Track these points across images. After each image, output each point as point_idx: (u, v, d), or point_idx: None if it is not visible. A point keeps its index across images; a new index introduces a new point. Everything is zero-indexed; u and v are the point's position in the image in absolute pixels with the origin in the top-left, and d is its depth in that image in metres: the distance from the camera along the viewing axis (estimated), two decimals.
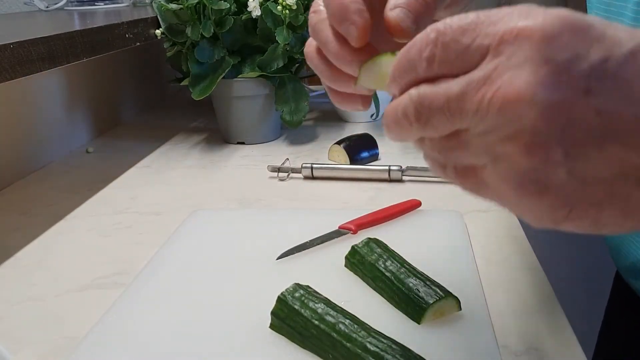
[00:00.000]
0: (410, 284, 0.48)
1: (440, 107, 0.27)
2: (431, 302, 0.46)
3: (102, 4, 1.42)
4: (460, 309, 0.48)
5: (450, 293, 0.47)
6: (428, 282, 0.48)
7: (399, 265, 0.51)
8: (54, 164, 1.00)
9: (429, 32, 0.28)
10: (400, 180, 0.83)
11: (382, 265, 0.51)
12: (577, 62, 0.25)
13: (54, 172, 0.96)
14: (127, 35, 0.92)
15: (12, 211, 0.80)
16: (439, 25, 0.27)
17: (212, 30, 0.94)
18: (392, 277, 0.50)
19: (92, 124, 1.15)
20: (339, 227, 0.64)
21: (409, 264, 0.51)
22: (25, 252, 0.67)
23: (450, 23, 0.27)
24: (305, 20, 0.96)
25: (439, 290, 0.47)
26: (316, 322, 0.43)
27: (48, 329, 0.52)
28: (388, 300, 0.50)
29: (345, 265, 0.56)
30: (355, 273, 0.55)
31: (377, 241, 0.55)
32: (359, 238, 0.58)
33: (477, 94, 0.26)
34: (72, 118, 1.08)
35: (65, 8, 1.38)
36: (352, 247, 0.56)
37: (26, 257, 0.66)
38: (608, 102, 0.25)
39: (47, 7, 1.37)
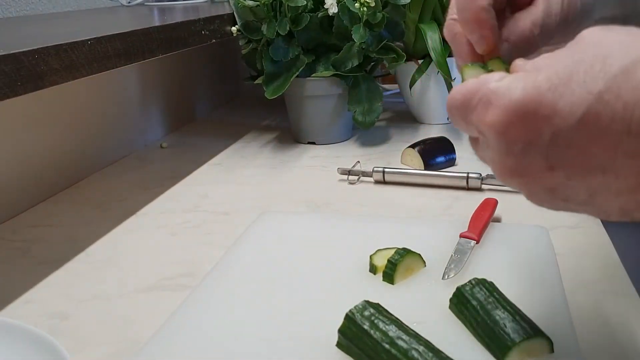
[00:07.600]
0: (497, 317, 0.42)
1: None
2: (518, 340, 0.41)
3: None
4: (553, 351, 0.42)
5: (541, 331, 0.42)
6: (517, 317, 0.43)
7: (487, 293, 0.45)
8: (129, 158, 1.01)
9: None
10: (479, 189, 0.78)
11: (469, 290, 0.46)
12: (532, 149, 0.30)
13: (128, 167, 0.97)
14: (203, 32, 0.92)
15: (86, 204, 0.81)
16: (450, 100, 0.34)
17: (288, 28, 0.92)
18: (478, 306, 0.44)
19: (167, 119, 1.16)
20: (461, 235, 0.59)
21: (500, 293, 0.46)
22: (95, 248, 0.68)
23: (450, 104, 0.34)
24: (384, 18, 0.92)
25: (528, 328, 0.41)
26: (387, 346, 0.40)
27: (112, 330, 0.51)
28: (467, 328, 0.45)
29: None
30: None
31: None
32: None
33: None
34: (147, 113, 1.10)
35: (146, 3, 1.40)
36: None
37: (96, 253, 0.67)
38: (573, 169, 0.30)
39: (129, 2, 1.40)
